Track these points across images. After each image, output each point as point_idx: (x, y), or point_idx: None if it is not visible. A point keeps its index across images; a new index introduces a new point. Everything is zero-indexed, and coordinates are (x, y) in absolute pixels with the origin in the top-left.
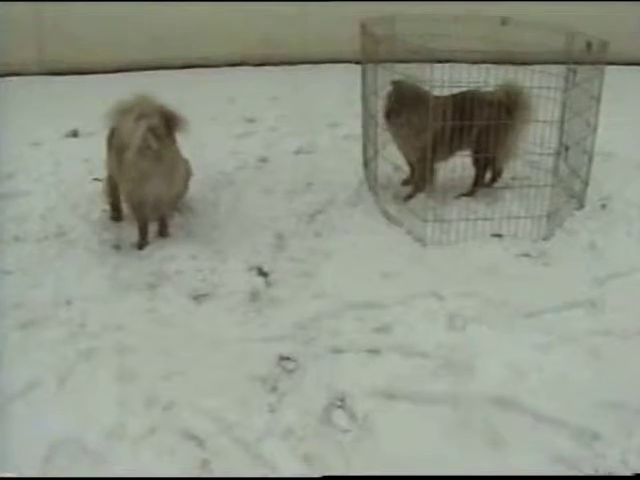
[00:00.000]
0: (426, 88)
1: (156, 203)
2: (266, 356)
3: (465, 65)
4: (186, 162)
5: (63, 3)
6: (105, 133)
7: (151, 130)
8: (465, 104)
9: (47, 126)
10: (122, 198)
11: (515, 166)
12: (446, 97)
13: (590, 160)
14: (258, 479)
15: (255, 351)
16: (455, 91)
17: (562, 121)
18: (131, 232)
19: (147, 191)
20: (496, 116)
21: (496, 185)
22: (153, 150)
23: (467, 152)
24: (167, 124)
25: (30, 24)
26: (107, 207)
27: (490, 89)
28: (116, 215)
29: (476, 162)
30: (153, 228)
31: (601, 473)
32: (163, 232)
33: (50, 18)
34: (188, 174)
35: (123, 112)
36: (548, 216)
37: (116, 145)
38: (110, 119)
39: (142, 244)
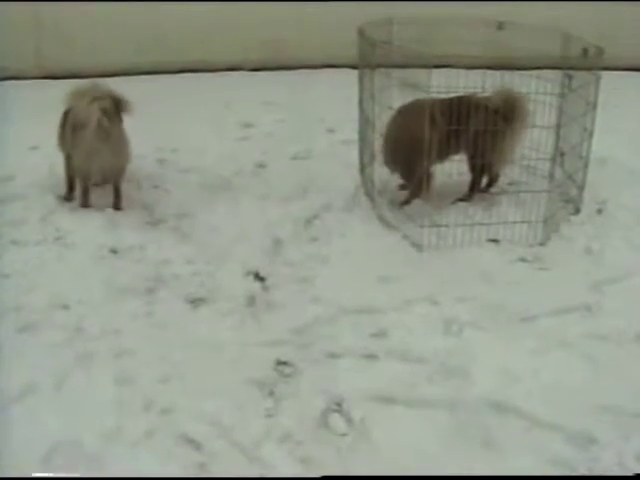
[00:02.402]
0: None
1: (103, 174)
2: (263, 360)
3: (462, 70)
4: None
5: (61, 7)
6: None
7: (103, 111)
8: (461, 108)
9: (45, 130)
10: (73, 169)
11: (511, 171)
12: (442, 100)
13: (586, 165)
14: (258, 479)
15: (252, 355)
16: (451, 95)
17: (558, 126)
18: (129, 236)
19: (96, 164)
20: (492, 121)
21: (492, 190)
22: (104, 128)
23: (463, 156)
24: (115, 106)
25: (28, 28)
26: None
27: (486, 94)
28: (70, 193)
29: (472, 167)
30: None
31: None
32: (117, 204)
33: (48, 22)
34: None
35: (79, 95)
36: (544, 221)
37: (71, 124)
38: (66, 102)
39: (84, 205)
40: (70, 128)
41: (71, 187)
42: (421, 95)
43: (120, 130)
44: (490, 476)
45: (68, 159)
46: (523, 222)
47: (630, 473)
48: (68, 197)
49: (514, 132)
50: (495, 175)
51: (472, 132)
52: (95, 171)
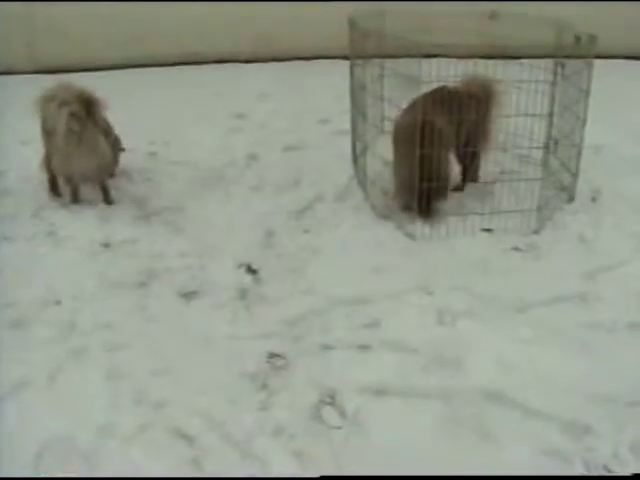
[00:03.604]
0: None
1: (83, 175)
2: (255, 353)
3: (454, 60)
4: (116, 138)
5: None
6: None
7: (72, 115)
8: (452, 103)
9: (36, 125)
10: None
11: (504, 160)
12: (425, 97)
13: (579, 153)
14: (257, 479)
15: (245, 348)
16: (432, 90)
17: (551, 114)
18: (121, 230)
19: (73, 168)
20: (477, 109)
21: (485, 179)
22: (76, 132)
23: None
24: (87, 108)
25: (20, 22)
26: (46, 182)
27: (459, 83)
28: (54, 189)
29: (462, 157)
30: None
31: (592, 467)
32: (106, 199)
33: (40, 16)
34: (115, 148)
35: (47, 100)
36: (538, 210)
37: (46, 129)
38: (36, 108)
39: (74, 201)
40: (44, 132)
41: (53, 184)
42: (412, 86)
43: (93, 131)
44: (490, 476)
45: (48, 158)
46: (517, 211)
47: (624, 463)
48: (54, 193)
49: (494, 117)
50: (479, 161)
51: (465, 123)
52: (75, 173)
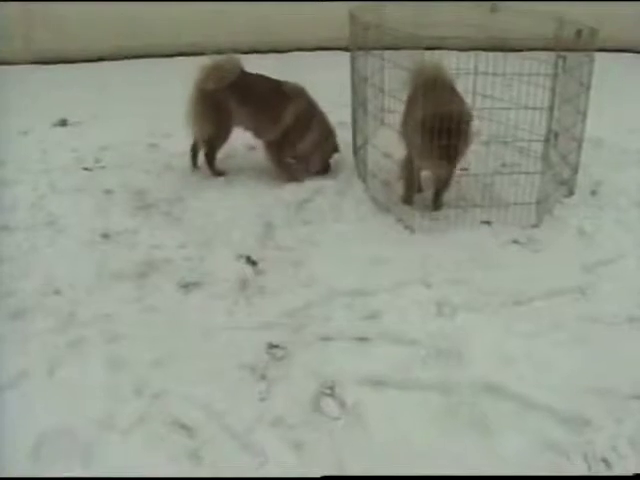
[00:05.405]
0: None
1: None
2: (255, 344)
3: (454, 52)
4: None
5: None
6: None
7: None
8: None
9: (35, 115)
10: None
11: (504, 152)
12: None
13: (580, 147)
14: (260, 479)
15: (244, 339)
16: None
17: (552, 108)
18: (121, 221)
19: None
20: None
21: (485, 172)
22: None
23: None
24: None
25: (17, 13)
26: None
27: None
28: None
29: None
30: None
31: (591, 460)
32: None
33: (37, 7)
34: None
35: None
36: (538, 203)
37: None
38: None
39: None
40: None
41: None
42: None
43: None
44: (491, 476)
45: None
46: (516, 204)
47: (622, 455)
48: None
49: None
50: None
51: None
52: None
